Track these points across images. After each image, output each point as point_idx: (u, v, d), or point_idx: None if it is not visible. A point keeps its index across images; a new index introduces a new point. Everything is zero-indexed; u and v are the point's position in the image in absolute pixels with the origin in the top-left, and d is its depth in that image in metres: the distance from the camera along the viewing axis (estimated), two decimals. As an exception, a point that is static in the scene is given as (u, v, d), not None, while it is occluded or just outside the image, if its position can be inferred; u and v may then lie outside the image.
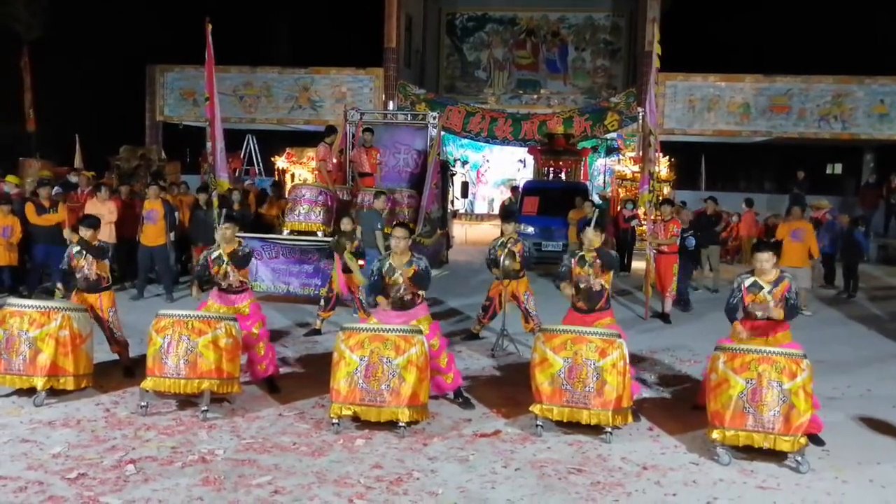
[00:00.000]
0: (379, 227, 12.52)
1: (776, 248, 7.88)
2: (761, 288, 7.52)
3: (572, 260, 8.04)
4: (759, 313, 7.56)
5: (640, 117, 23.94)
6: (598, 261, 7.92)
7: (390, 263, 7.97)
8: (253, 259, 10.26)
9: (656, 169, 14.86)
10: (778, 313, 7.47)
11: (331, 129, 15.12)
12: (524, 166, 28.98)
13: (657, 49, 12.91)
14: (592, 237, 8.01)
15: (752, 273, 7.63)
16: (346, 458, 6.63)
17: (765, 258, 7.50)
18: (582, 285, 8.02)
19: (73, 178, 15.93)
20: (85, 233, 8.78)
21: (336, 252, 11.15)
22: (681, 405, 8.39)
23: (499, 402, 8.29)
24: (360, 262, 11.69)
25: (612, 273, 8.13)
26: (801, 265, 13.44)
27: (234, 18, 27.02)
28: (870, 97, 23.76)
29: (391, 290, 7.95)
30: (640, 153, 21.72)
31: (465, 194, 25.17)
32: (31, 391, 7.83)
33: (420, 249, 13.95)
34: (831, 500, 6.13)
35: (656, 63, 12.97)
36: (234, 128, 25.56)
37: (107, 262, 8.90)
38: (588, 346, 7.23)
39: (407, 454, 6.77)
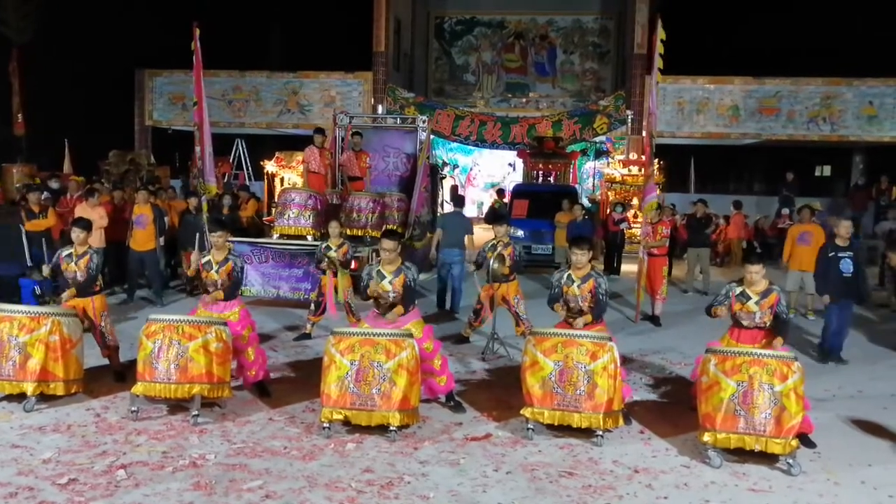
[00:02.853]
0: (469, 229, 13.31)
1: (765, 259, 7.92)
2: (749, 298, 7.55)
3: (561, 281, 8.07)
4: (745, 322, 7.61)
5: (629, 120, 24.04)
6: (590, 294, 7.94)
7: (379, 270, 7.96)
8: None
9: (655, 172, 14.74)
10: (768, 322, 7.50)
11: (318, 131, 15.04)
12: (513, 170, 29.00)
13: (660, 48, 12.40)
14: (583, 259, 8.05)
15: (741, 282, 7.66)
16: (336, 463, 6.62)
17: (755, 270, 7.53)
18: (572, 304, 8.05)
19: (53, 184, 15.81)
20: (77, 235, 8.73)
21: (329, 267, 10.88)
22: (672, 408, 8.41)
23: (490, 405, 8.29)
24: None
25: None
26: (810, 269, 13.17)
27: (223, 23, 26.92)
28: (859, 99, 23.81)
29: (381, 297, 7.94)
30: (639, 157, 21.73)
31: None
32: (21, 396, 7.80)
33: (411, 253, 13.96)
34: (823, 501, 6.15)
35: (659, 63, 12.45)
36: (223, 132, 25.49)
37: (98, 273, 8.87)
38: (579, 350, 7.24)
39: (398, 458, 6.77)
